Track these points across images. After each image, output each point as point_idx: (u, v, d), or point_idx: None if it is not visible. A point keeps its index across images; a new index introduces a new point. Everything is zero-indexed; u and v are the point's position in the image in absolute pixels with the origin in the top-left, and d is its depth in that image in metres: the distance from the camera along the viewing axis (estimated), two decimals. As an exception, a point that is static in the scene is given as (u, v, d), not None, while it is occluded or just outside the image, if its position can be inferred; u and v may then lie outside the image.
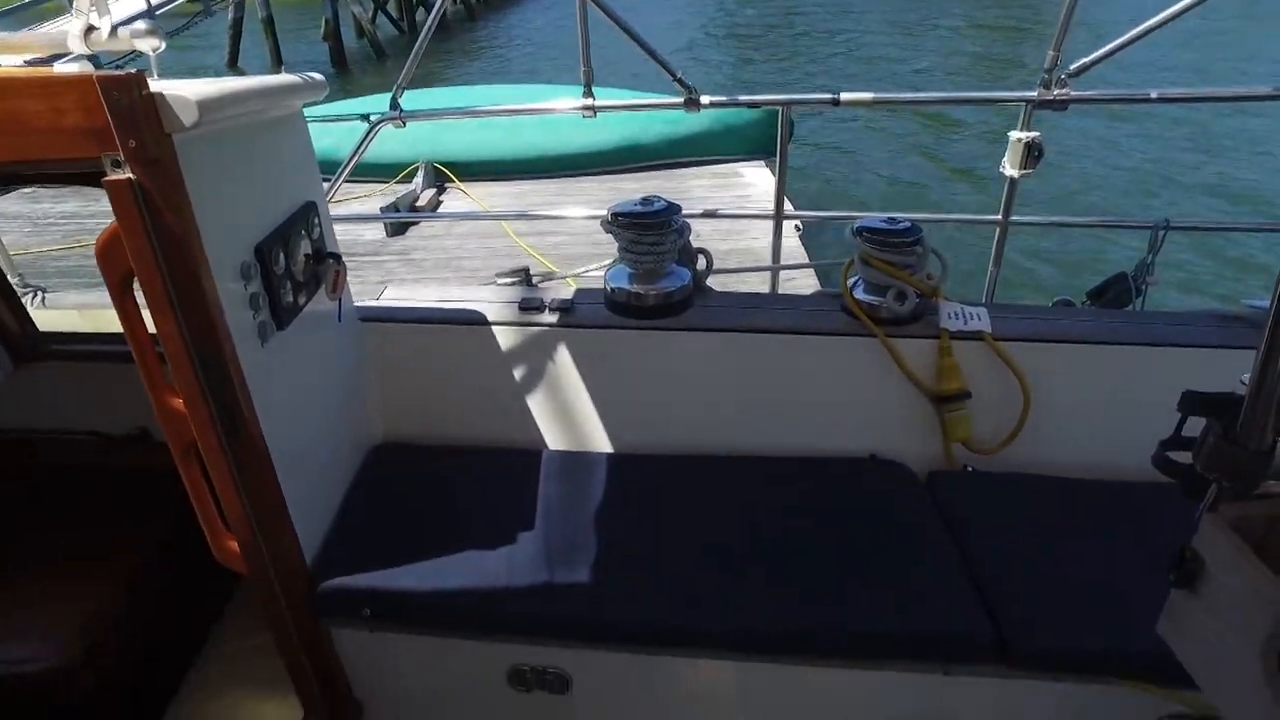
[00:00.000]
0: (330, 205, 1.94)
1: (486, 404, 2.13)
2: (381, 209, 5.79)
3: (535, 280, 2.37)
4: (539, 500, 1.91)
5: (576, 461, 2.06)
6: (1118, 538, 1.78)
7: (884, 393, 2.03)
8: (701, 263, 2.15)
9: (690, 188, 6.52)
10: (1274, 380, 0.90)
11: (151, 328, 1.32)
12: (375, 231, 5.83)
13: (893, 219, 1.99)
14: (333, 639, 1.75)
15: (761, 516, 1.88)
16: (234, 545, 1.54)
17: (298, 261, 1.60)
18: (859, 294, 2.02)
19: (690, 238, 2.10)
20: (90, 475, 2.18)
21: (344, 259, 1.77)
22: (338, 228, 1.87)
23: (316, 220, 1.71)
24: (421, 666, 1.81)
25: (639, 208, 2.01)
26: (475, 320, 2.05)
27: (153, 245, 1.23)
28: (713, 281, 2.20)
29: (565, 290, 2.15)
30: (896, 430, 2.08)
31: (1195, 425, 1.01)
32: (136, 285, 1.29)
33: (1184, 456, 1.02)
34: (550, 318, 2.04)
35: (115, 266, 1.26)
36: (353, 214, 5.64)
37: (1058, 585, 1.67)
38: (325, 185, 1.91)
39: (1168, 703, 1.54)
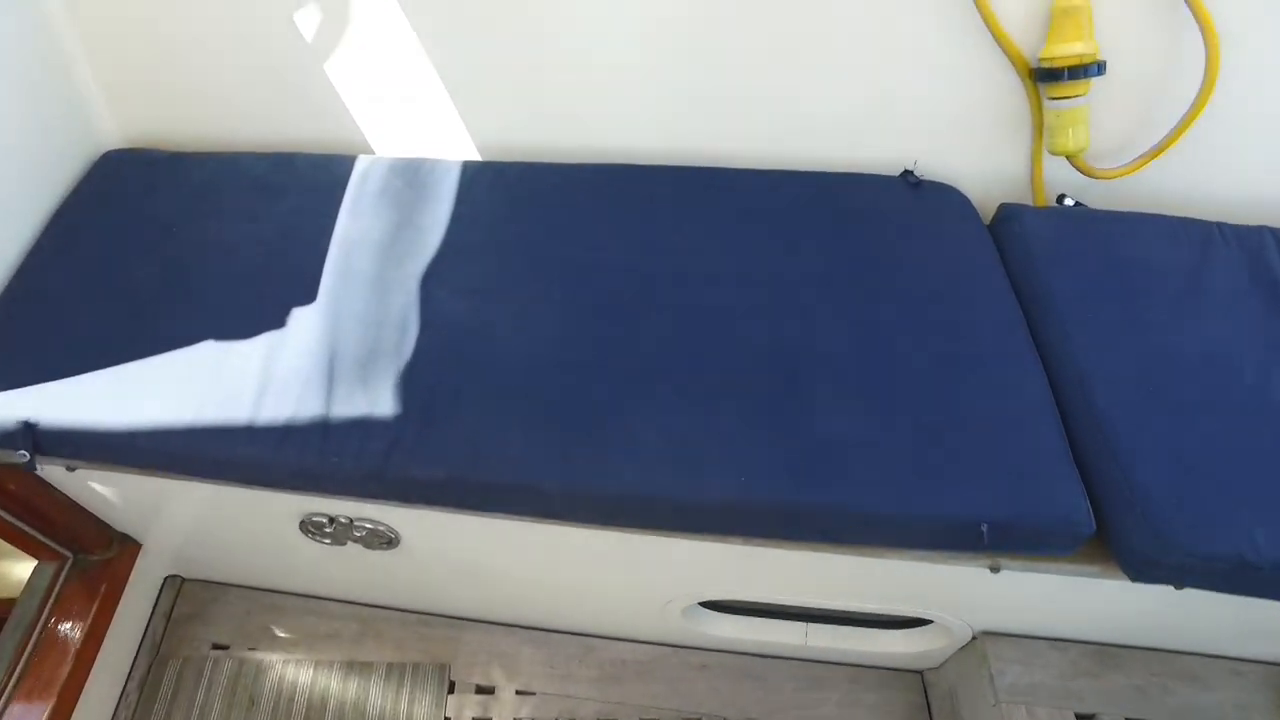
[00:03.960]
0: None
1: (270, 84, 1.38)
2: None
3: None
4: (335, 239, 1.21)
5: (411, 175, 1.33)
6: None
7: (941, 60, 1.24)
8: None
9: None
10: None
11: None
12: None
13: None
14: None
15: (707, 274, 1.16)
16: None
17: None
18: None
19: None
20: None
21: None
22: None
23: None
24: (179, 511, 1.29)
25: None
26: None
27: None
28: None
29: None
30: (954, 128, 1.31)
31: None
32: None
33: None
34: None
35: None
36: None
37: (1207, 440, 0.97)
38: None
39: None
